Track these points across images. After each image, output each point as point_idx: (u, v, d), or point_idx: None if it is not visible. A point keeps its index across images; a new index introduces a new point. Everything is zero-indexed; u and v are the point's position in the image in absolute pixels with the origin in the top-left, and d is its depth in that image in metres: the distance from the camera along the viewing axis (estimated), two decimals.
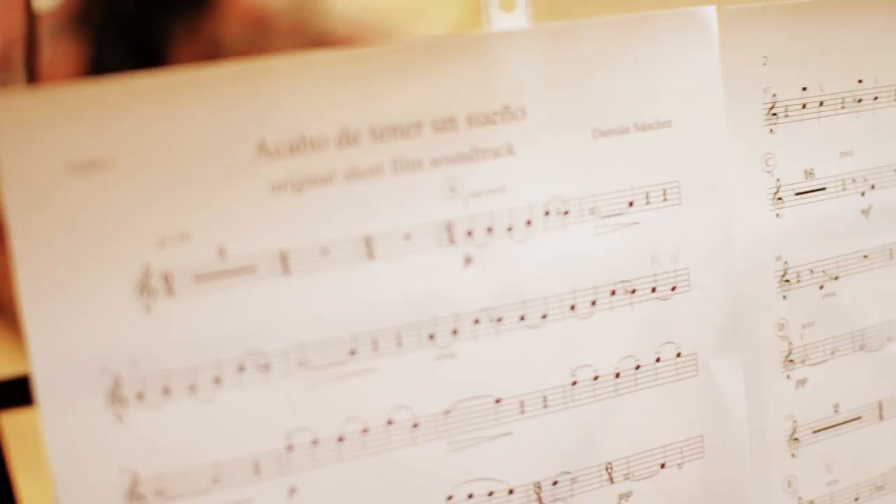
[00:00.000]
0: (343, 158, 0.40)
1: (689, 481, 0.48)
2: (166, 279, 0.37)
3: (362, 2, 1.91)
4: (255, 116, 0.38)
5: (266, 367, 0.39)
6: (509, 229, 0.43)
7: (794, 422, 0.50)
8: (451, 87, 0.41)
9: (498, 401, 0.44)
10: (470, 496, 0.43)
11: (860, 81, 0.50)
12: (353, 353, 0.41)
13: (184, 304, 0.38)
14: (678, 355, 0.47)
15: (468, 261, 0.42)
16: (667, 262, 0.46)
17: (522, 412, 0.44)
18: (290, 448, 0.40)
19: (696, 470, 0.48)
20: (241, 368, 0.39)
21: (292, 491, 0.40)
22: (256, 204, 0.39)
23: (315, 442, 0.40)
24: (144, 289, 0.37)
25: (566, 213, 0.43)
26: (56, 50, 1.65)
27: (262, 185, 0.39)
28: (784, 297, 0.49)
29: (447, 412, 0.43)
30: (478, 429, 0.43)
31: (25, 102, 0.36)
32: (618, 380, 0.46)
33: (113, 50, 1.72)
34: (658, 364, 0.46)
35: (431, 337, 0.42)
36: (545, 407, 0.44)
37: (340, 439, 0.41)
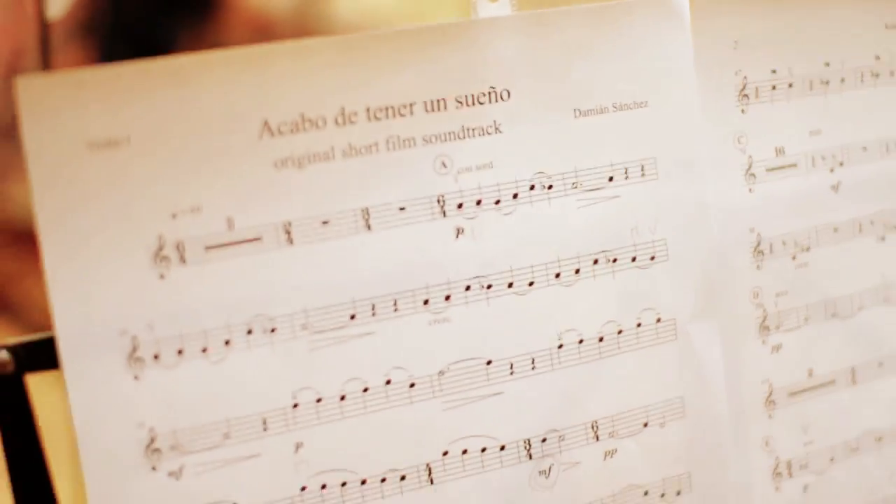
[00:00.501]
0: (341, 136, 0.43)
1: (671, 440, 0.50)
2: (179, 249, 0.40)
3: (363, 8, 1.95)
4: (259, 98, 0.41)
5: (272, 331, 0.42)
6: (497, 202, 0.45)
7: (770, 385, 0.53)
8: (441, 70, 0.44)
9: (489, 363, 0.46)
10: (464, 452, 0.46)
11: (827, 64, 0.53)
12: (353, 317, 0.43)
13: (195, 272, 0.41)
14: (658, 321, 0.50)
15: (459, 231, 0.45)
16: (646, 233, 0.49)
17: (512, 373, 0.47)
18: (295, 406, 0.43)
19: (677, 429, 0.51)
20: (250, 332, 0.42)
21: (298, 446, 0.43)
22: (261, 179, 0.42)
23: (319, 400, 0.43)
24: (159, 257, 0.40)
25: (550, 187, 0.46)
26: (65, 58, 1.69)
27: (266, 162, 0.42)
28: (758, 266, 0.52)
29: (441, 373, 0.45)
30: (470, 389, 0.46)
31: (47, 85, 0.39)
32: (601, 343, 0.49)
33: (120, 57, 1.75)
34: (639, 329, 0.49)
35: (426, 302, 0.45)
36: (533, 368, 0.47)
37: (342, 398, 0.44)
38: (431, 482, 0.46)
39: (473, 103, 0.44)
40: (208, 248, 0.41)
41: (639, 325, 0.49)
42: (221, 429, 0.42)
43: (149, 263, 0.40)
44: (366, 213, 0.43)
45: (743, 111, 0.50)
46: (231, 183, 0.41)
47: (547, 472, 0.48)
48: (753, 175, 0.50)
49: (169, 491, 0.42)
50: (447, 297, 0.45)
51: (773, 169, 0.51)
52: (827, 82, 0.52)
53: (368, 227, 0.43)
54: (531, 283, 0.46)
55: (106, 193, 0.39)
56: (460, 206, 0.45)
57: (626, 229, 0.48)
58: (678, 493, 0.51)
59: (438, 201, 0.44)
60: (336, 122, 0.42)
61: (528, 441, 0.47)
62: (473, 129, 0.44)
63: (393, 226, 0.43)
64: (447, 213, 0.44)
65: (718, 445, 0.51)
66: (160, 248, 0.40)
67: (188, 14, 1.78)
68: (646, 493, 0.51)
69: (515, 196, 0.46)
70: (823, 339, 0.53)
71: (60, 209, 0.39)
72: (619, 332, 0.48)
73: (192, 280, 0.41)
